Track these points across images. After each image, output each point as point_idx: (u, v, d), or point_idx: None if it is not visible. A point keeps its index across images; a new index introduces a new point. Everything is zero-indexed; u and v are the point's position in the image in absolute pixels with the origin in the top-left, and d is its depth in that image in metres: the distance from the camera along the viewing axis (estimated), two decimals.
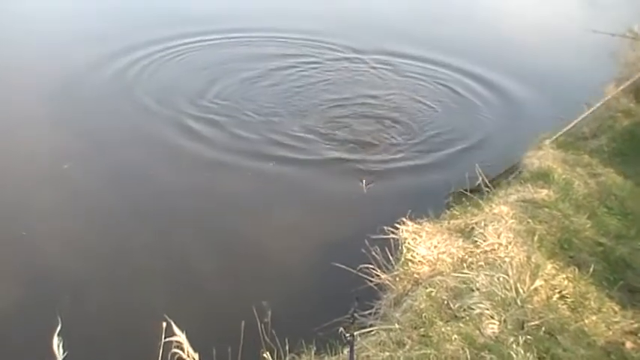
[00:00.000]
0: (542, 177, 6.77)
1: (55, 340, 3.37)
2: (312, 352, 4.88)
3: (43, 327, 3.66)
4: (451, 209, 6.60)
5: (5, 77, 12.19)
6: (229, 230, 7.86)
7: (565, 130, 8.15)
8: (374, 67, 13.23)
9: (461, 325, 4.68)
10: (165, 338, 3.86)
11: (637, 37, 9.71)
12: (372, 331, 4.88)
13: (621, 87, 8.09)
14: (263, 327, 4.98)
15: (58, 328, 3.38)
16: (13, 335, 6.13)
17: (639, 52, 9.28)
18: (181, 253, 7.32)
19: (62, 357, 3.32)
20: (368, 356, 4.52)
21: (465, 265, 5.39)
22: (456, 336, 4.57)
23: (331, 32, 15.00)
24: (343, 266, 5.97)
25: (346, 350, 4.57)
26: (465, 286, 5.06)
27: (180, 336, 3.81)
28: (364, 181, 8.57)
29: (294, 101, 11.61)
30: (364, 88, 12.12)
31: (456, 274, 5.22)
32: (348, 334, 4.06)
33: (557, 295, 5.01)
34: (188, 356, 3.87)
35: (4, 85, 11.84)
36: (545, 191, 6.44)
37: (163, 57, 13.49)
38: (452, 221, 6.21)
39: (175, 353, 3.86)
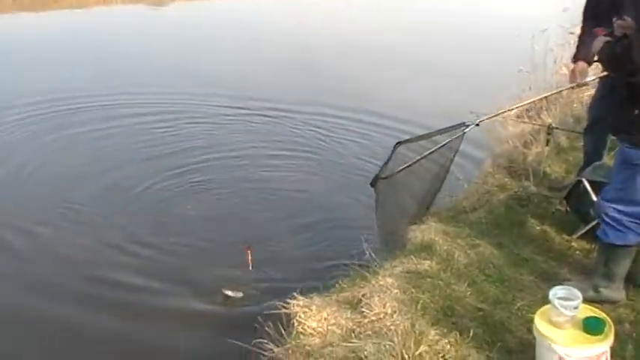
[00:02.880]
0: (425, 249, 7.09)
1: None
2: None
3: None
4: (340, 283, 6.78)
5: None
6: None
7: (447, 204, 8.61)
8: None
9: None
10: None
11: (506, 117, 10.44)
12: None
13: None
14: None
15: None
16: None
17: (509, 132, 9.94)
18: None
19: None
20: None
21: (353, 334, 5.58)
22: None
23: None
24: (237, 342, 6.11)
25: None
26: (353, 354, 5.24)
27: None
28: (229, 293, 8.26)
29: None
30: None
31: (345, 344, 5.40)
32: None
33: None
34: None
35: None
36: (428, 262, 6.75)
37: None
38: (340, 294, 6.42)
39: None
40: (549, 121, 10.40)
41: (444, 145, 8.09)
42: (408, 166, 8.13)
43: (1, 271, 9.05)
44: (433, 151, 8.14)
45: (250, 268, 8.60)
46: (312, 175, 12.05)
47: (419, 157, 8.17)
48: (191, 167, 12.28)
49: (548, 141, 9.32)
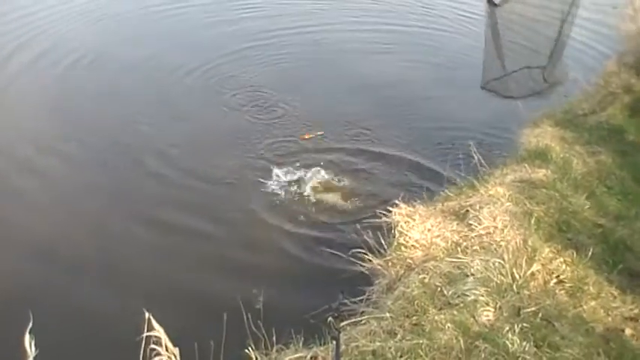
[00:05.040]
0: (540, 156, 6.60)
1: (27, 338, 3.22)
2: (300, 343, 4.69)
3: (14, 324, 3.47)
4: (445, 191, 6.36)
5: None
6: None
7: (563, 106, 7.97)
8: None
9: (455, 312, 4.50)
10: (145, 332, 3.66)
11: (637, 9, 9.46)
12: (362, 320, 4.70)
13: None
14: (249, 317, 4.77)
15: (30, 324, 3.22)
16: None
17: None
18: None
19: (34, 355, 3.17)
20: (357, 347, 4.34)
21: (459, 249, 5.21)
22: (449, 324, 4.38)
23: None
24: (334, 251, 5.84)
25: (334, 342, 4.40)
26: (459, 271, 4.88)
27: (158, 330, 3.62)
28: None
29: None
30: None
31: (450, 259, 5.04)
32: (334, 329, 3.85)
33: (554, 280, 4.83)
34: (167, 351, 3.68)
35: None
36: (542, 171, 6.26)
37: None
38: (446, 203, 6.02)
39: (154, 349, 3.66)
40: None
41: None
42: None
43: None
44: None
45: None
46: (419, 57, 11.47)
47: None
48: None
49: None
